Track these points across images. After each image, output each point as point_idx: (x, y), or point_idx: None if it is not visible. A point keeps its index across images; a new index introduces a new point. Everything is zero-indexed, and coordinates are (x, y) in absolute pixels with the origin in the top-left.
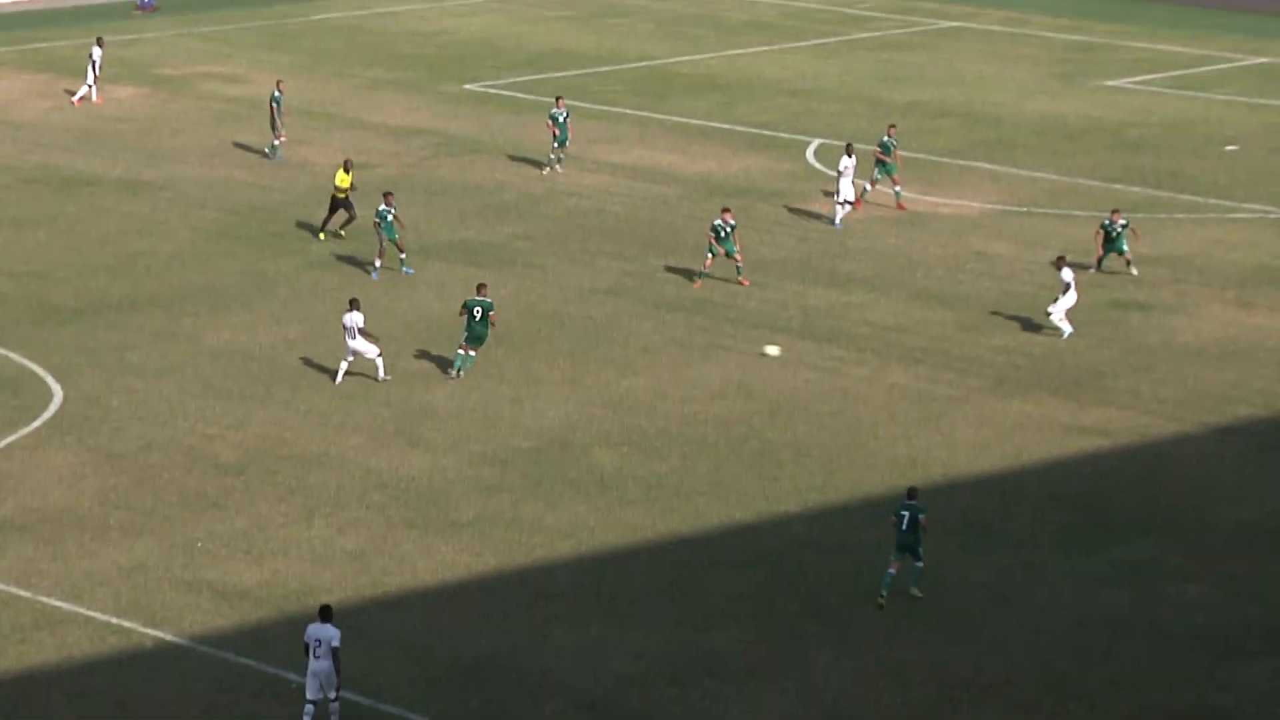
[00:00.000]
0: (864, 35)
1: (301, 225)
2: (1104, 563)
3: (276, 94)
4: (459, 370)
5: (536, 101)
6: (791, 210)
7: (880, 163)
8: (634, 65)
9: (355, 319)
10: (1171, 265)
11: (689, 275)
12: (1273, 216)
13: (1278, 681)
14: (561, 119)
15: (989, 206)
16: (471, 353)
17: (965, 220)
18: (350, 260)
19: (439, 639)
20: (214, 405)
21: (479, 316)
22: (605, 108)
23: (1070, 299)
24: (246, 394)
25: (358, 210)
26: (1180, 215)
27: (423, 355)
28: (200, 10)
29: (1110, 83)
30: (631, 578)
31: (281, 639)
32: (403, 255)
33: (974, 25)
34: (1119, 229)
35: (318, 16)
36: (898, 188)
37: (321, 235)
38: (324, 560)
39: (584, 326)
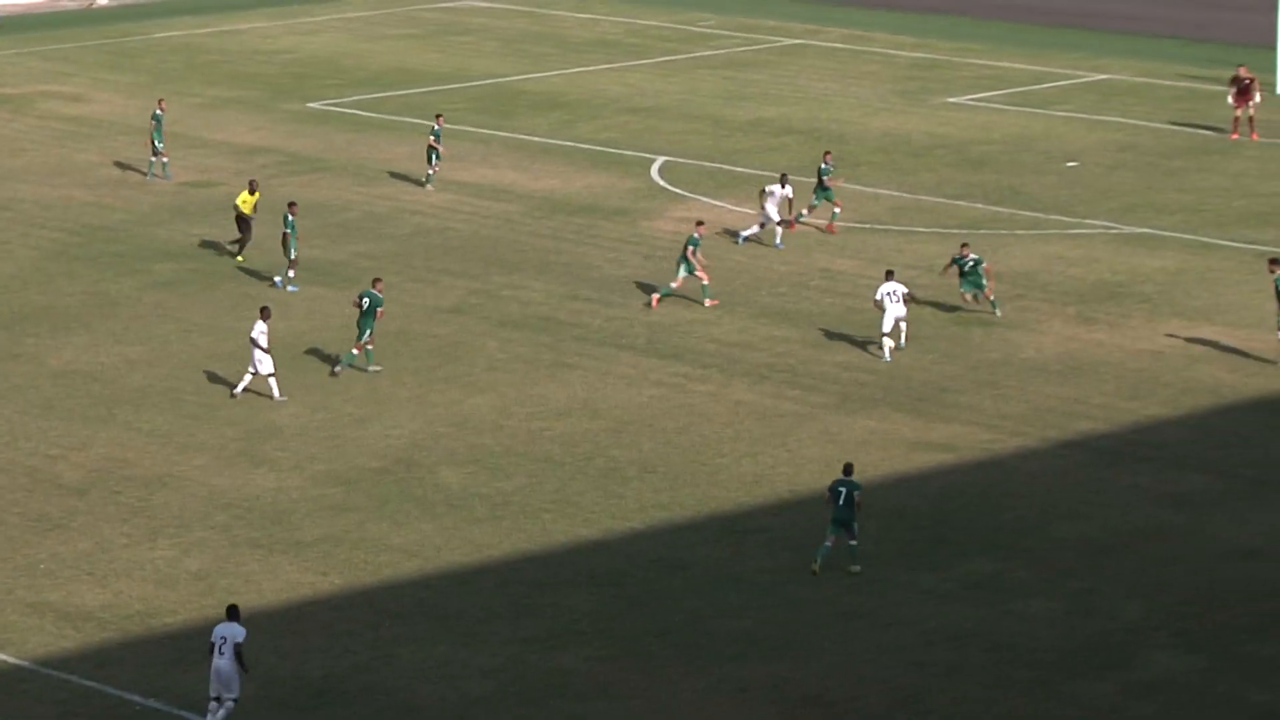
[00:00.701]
0: (707, 53)
1: (143, 245)
2: (949, 579)
3: (158, 112)
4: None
5: (379, 120)
6: (636, 227)
7: (821, 187)
8: (477, 83)
9: (261, 329)
10: (1013, 281)
11: (532, 293)
12: (1113, 232)
13: (1122, 697)
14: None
15: (836, 224)
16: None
17: (809, 237)
18: (200, 278)
19: (285, 659)
20: (56, 426)
21: (366, 307)
22: (449, 125)
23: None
24: (89, 415)
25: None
26: (1021, 231)
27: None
28: (40, 29)
29: (953, 100)
30: (478, 597)
31: (126, 661)
32: (290, 273)
33: (817, 43)
34: (970, 263)
35: (159, 35)
36: (836, 209)
37: (239, 258)
38: (168, 581)
39: (429, 345)
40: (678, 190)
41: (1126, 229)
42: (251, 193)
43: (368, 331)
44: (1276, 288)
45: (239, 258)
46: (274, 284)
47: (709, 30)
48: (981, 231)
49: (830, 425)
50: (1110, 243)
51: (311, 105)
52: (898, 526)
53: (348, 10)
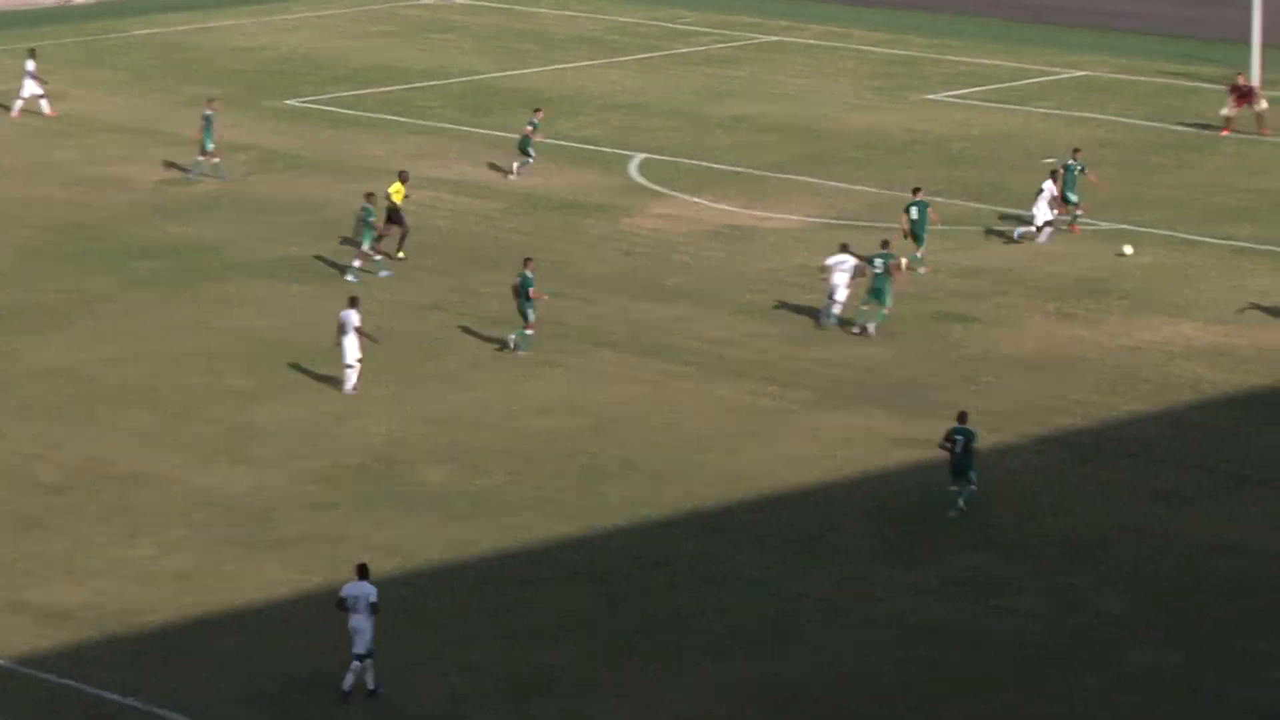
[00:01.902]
0: (687, 50)
1: (123, 243)
2: (931, 575)
3: (207, 113)
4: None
5: (359, 117)
6: (616, 225)
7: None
8: (457, 80)
9: (351, 317)
10: (993, 277)
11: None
12: (1091, 228)
13: (1105, 692)
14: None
15: (813, 220)
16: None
17: (789, 234)
18: (180, 275)
19: (267, 658)
20: (35, 425)
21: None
22: (429, 123)
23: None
24: (68, 413)
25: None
26: (1001, 227)
27: (246, 373)
28: (18, 26)
29: (931, 96)
30: (459, 594)
31: (104, 660)
32: (378, 258)
33: (795, 39)
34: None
35: (139, 32)
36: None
37: (400, 254)
38: (147, 580)
39: (410, 342)
40: (657, 187)
41: (1105, 225)
42: (403, 183)
43: (529, 314)
44: None
45: (400, 254)
46: (350, 277)
47: (688, 27)
48: (961, 228)
49: (811, 421)
50: (1089, 239)
51: (290, 102)
52: (879, 523)
53: (326, 7)
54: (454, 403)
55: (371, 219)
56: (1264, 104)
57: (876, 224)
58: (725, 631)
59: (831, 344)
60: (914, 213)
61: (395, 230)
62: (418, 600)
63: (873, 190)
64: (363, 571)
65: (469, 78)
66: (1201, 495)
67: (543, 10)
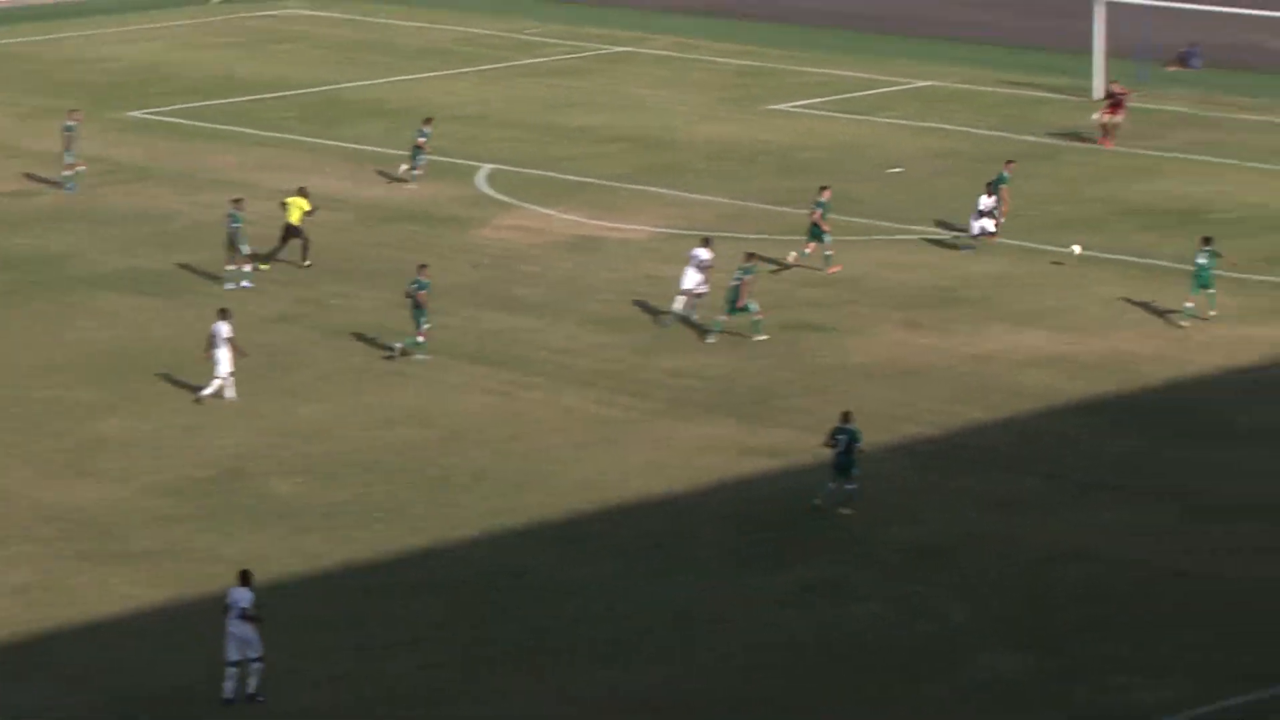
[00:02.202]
0: (534, 61)
1: None
2: (780, 583)
3: (69, 124)
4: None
5: (204, 129)
6: (465, 236)
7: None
8: (304, 91)
9: (222, 329)
10: (842, 287)
11: (362, 301)
12: (937, 238)
13: (952, 699)
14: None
15: (661, 230)
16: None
17: (637, 244)
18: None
19: (120, 671)
20: None
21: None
22: (275, 134)
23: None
24: None
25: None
26: (850, 238)
27: (93, 385)
28: None
29: (779, 106)
30: (310, 606)
31: None
32: (246, 269)
33: (644, 50)
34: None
35: None
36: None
37: (306, 263)
38: None
39: (258, 354)
40: (505, 198)
41: (952, 234)
42: (304, 197)
43: (421, 321)
44: None
45: (306, 263)
46: (230, 285)
47: (535, 38)
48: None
49: (660, 431)
50: (936, 248)
51: (134, 114)
52: (729, 531)
53: (171, 19)
54: (304, 415)
55: (239, 224)
56: (1120, 116)
57: (726, 234)
58: (577, 641)
59: (681, 353)
60: (819, 213)
61: (294, 243)
62: (269, 613)
63: (721, 200)
64: (244, 578)
65: (316, 89)
66: (1048, 502)
67: (389, 21)
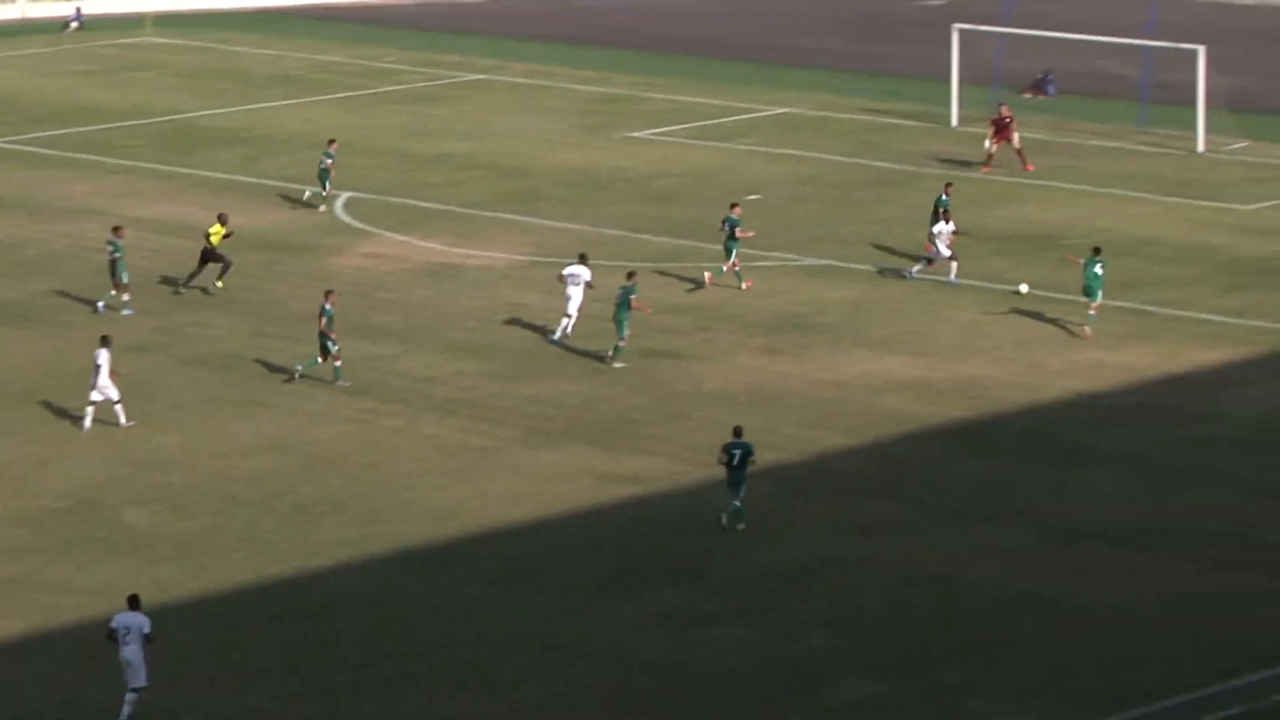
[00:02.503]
0: (390, 88)
1: None
2: (640, 609)
3: None
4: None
5: (59, 157)
6: (321, 264)
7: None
8: (159, 119)
9: (103, 356)
10: (699, 314)
11: (218, 330)
12: (794, 264)
13: None
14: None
15: (519, 257)
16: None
17: (495, 271)
18: None
19: None
20: None
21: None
22: (130, 162)
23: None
24: None
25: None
26: (706, 264)
27: None
28: None
29: (635, 134)
30: (166, 637)
31: None
32: (125, 297)
33: (500, 78)
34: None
35: None
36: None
37: (219, 283)
38: None
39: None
40: (363, 226)
41: (809, 260)
42: (222, 224)
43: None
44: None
45: (219, 284)
46: (97, 310)
47: (391, 66)
48: (668, 264)
49: (518, 459)
50: (792, 274)
51: None
52: (588, 558)
53: (24, 47)
54: (159, 444)
55: (119, 253)
56: (1016, 137)
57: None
58: (434, 669)
59: (540, 380)
60: (726, 227)
61: (210, 267)
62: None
63: (579, 228)
64: (133, 602)
65: (170, 117)
66: (906, 527)
67: (243, 49)
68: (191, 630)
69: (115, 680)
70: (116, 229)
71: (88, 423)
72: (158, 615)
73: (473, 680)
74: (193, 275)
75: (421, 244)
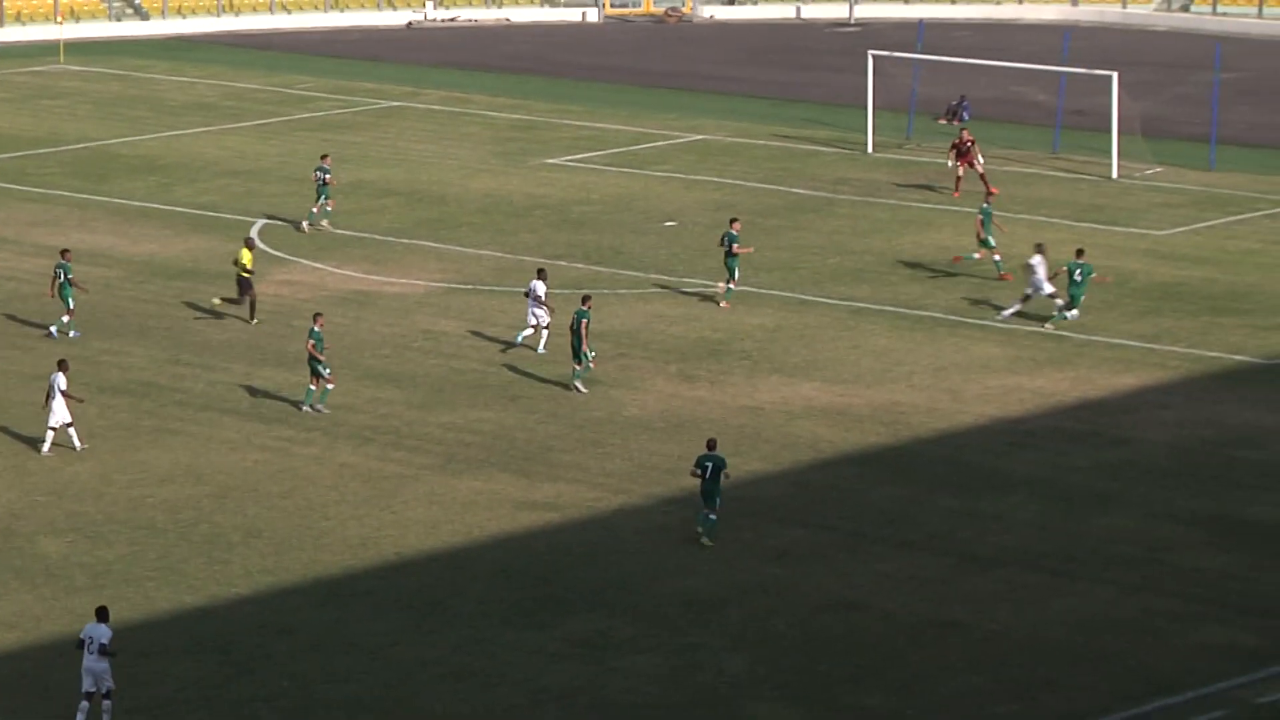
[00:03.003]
0: (305, 115)
1: None
2: (555, 637)
3: None
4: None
5: None
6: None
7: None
8: (72, 147)
9: (59, 380)
10: (616, 340)
11: (132, 358)
12: (711, 290)
13: None
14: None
15: (435, 285)
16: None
17: (411, 299)
18: None
19: None
20: None
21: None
22: (43, 190)
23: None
24: None
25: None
26: (623, 291)
27: None
28: None
29: (552, 161)
30: (80, 668)
31: None
32: (67, 319)
33: (416, 105)
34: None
35: None
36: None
37: (255, 321)
38: None
39: (26, 413)
40: (278, 253)
41: (726, 287)
42: (250, 249)
43: (321, 370)
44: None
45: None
46: (50, 334)
47: (306, 93)
48: (584, 290)
49: (436, 486)
50: (708, 301)
51: None
52: (504, 586)
53: None
54: (73, 473)
55: (70, 275)
56: (981, 158)
57: (498, 288)
58: (350, 699)
59: (457, 408)
60: (726, 243)
61: (245, 298)
62: (39, 675)
63: (495, 254)
64: (101, 614)
65: (84, 144)
66: (820, 553)
67: (158, 76)
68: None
69: (24, 706)
70: (64, 252)
71: (46, 447)
72: (73, 646)
73: (386, 709)
74: (237, 303)
75: (337, 271)
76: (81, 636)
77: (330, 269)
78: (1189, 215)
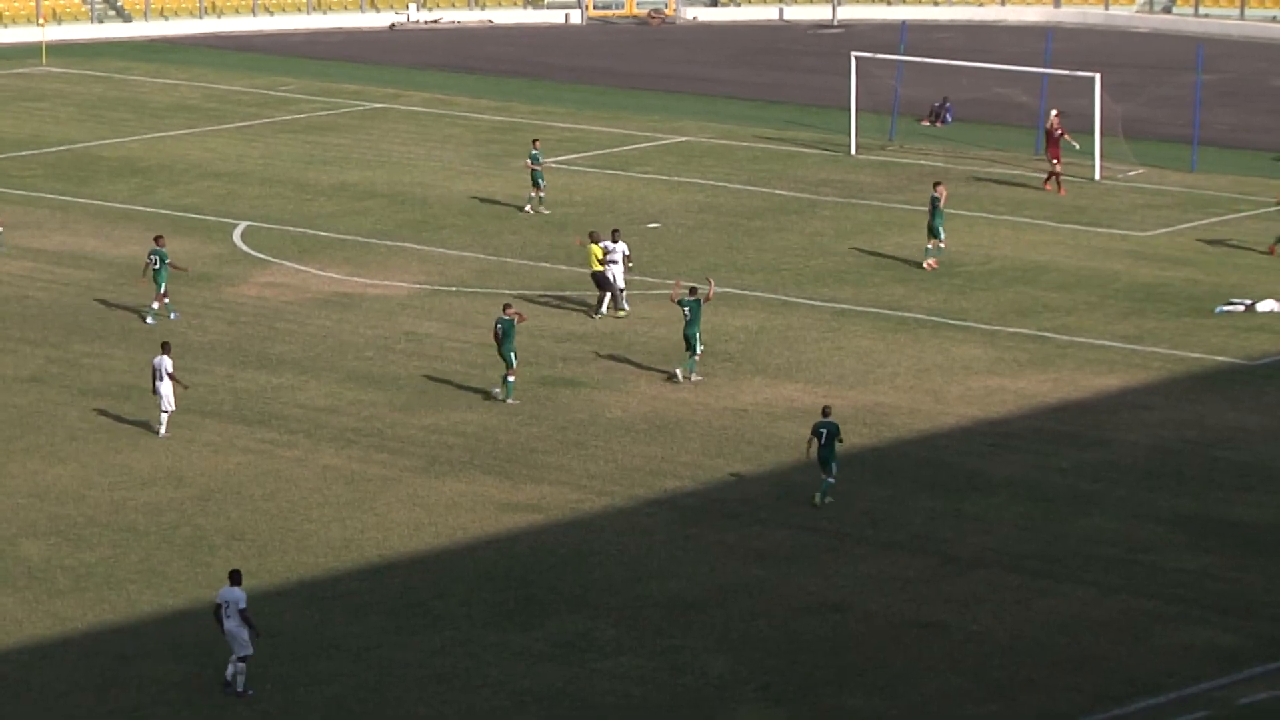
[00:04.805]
0: (288, 117)
1: None
2: (539, 639)
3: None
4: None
5: None
6: (220, 293)
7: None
8: (54, 149)
9: (165, 363)
10: (599, 342)
11: (114, 361)
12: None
13: None
14: (539, 160)
15: (418, 286)
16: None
17: (394, 301)
18: None
19: None
20: None
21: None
22: (25, 192)
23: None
24: None
25: None
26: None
27: None
28: None
29: None
30: (62, 671)
31: None
32: (166, 301)
33: (399, 106)
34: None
35: None
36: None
37: (622, 312)
38: None
39: (7, 415)
40: (261, 255)
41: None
42: (596, 243)
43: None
44: None
45: (621, 312)
46: (146, 320)
47: (289, 95)
48: (566, 293)
49: (418, 488)
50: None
51: None
52: (487, 588)
53: None
54: (54, 476)
55: (162, 263)
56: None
57: (479, 290)
58: (332, 700)
59: (439, 410)
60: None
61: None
62: (19, 677)
63: (478, 256)
64: (234, 577)
65: (66, 147)
66: (803, 554)
67: (140, 79)
68: (89, 663)
69: (4, 709)
70: (158, 238)
71: (163, 429)
72: (55, 647)
73: (369, 712)
74: (601, 299)
75: (320, 273)
76: (217, 601)
77: (314, 271)
78: (1171, 216)
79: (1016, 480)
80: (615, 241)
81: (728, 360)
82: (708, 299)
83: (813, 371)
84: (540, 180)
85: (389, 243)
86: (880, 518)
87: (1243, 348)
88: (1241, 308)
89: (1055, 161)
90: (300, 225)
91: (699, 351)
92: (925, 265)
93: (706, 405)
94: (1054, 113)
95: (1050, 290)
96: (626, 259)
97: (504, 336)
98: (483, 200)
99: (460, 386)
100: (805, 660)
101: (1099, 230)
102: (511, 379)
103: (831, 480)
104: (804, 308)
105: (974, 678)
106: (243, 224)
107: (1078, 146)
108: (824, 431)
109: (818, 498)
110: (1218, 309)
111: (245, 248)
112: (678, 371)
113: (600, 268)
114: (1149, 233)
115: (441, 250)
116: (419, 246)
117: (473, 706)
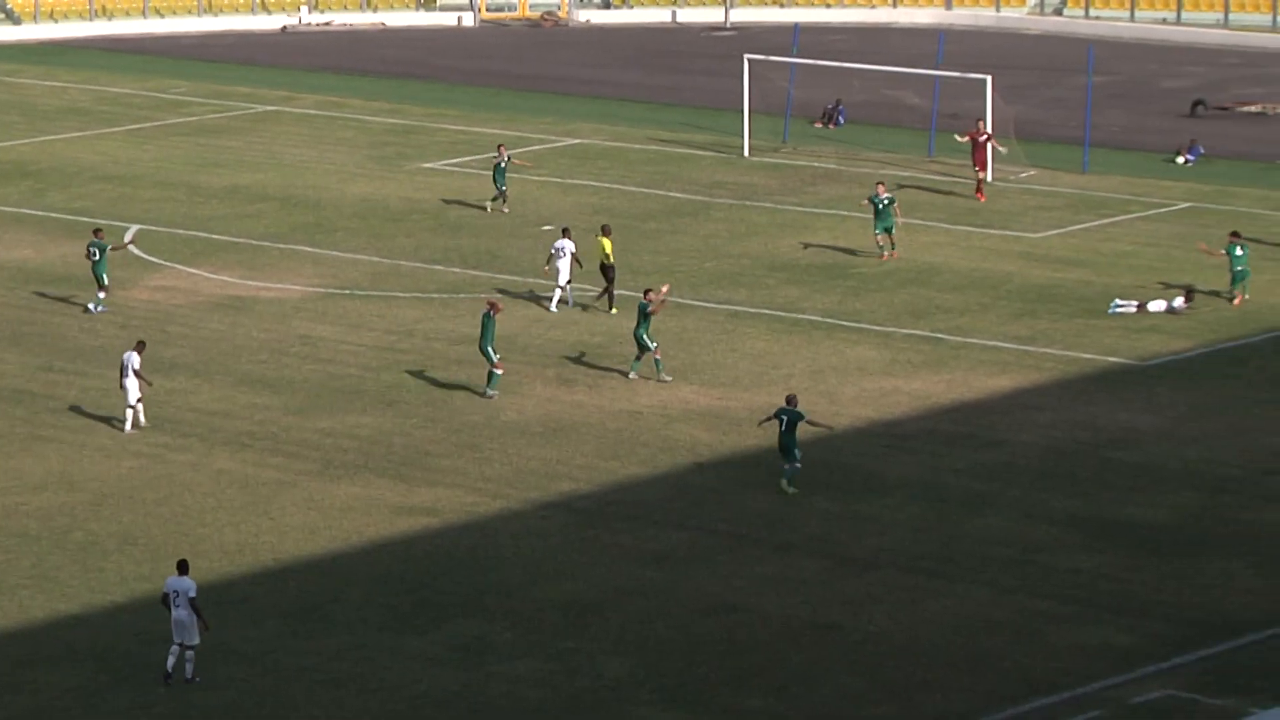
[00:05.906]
0: (180, 120)
1: None
2: (434, 642)
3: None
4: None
5: None
6: (111, 297)
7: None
8: None
9: (133, 359)
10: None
11: (4, 365)
12: (590, 294)
13: None
14: (502, 165)
15: (311, 289)
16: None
17: (288, 304)
18: None
19: None
20: None
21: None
22: None
23: None
24: None
25: None
26: (501, 295)
27: None
28: None
29: (428, 165)
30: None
31: None
32: (102, 295)
33: (291, 109)
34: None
35: None
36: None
37: (613, 310)
38: None
39: None
40: (153, 259)
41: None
42: (607, 236)
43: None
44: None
45: (613, 310)
46: (88, 309)
47: (180, 98)
48: (460, 295)
49: (313, 492)
50: (587, 305)
51: None
52: (382, 591)
53: None
54: None
55: (101, 255)
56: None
57: (374, 293)
58: (227, 705)
59: (334, 414)
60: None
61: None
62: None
63: (372, 259)
64: (182, 567)
65: None
66: (699, 556)
67: (29, 81)
68: None
69: None
70: (97, 230)
71: (128, 426)
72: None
73: (264, 718)
74: (607, 292)
75: (213, 277)
76: (165, 590)
77: (206, 274)
78: (1063, 218)
79: (911, 481)
80: (566, 238)
81: (623, 363)
82: (654, 310)
83: (708, 374)
84: (500, 182)
85: (282, 245)
86: (776, 519)
87: (1134, 348)
88: (1133, 308)
89: (980, 170)
90: (192, 228)
91: (653, 348)
92: (885, 256)
93: (601, 408)
94: (979, 121)
95: (944, 291)
96: (574, 256)
97: (482, 331)
98: (376, 203)
99: (354, 390)
100: (703, 662)
101: (991, 232)
102: (498, 373)
103: (797, 466)
104: (699, 310)
105: (870, 679)
106: (134, 227)
107: (1005, 151)
108: (784, 418)
109: (784, 484)
110: (1109, 309)
111: (137, 251)
112: (658, 374)
113: (610, 261)
114: (1041, 234)
115: (335, 253)
116: (312, 249)
117: (369, 710)
